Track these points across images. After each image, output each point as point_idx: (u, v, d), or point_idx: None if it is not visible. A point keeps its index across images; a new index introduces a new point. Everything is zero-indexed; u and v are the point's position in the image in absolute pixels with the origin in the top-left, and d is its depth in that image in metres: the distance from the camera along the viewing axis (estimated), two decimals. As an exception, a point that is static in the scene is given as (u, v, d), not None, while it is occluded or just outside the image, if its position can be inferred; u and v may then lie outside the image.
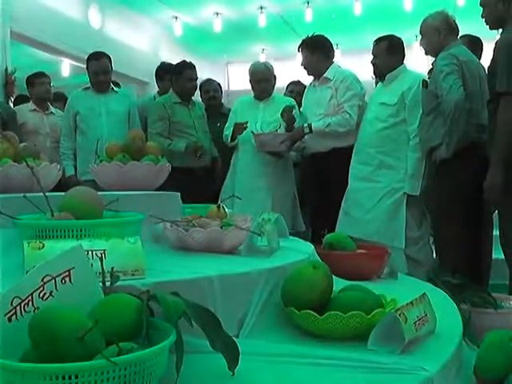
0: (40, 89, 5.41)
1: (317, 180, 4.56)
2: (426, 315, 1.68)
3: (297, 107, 4.76)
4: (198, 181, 4.60)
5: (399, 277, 2.60)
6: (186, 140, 4.74)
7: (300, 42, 4.74)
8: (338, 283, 1.83)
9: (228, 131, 4.78)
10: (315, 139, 4.49)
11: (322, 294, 1.67)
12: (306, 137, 4.53)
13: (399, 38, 4.36)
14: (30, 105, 5.46)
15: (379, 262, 2.49)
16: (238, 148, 4.78)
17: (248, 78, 4.87)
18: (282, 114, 4.56)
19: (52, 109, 5.54)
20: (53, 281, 1.23)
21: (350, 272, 2.23)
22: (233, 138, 4.71)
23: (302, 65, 4.69)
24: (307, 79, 4.99)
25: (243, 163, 4.72)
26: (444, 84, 3.63)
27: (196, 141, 4.72)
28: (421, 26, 4.04)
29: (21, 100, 6.03)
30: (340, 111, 4.43)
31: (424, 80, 4.05)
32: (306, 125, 4.49)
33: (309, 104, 4.73)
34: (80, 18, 8.41)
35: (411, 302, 1.64)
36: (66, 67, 9.51)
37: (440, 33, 3.88)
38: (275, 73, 4.90)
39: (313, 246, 2.35)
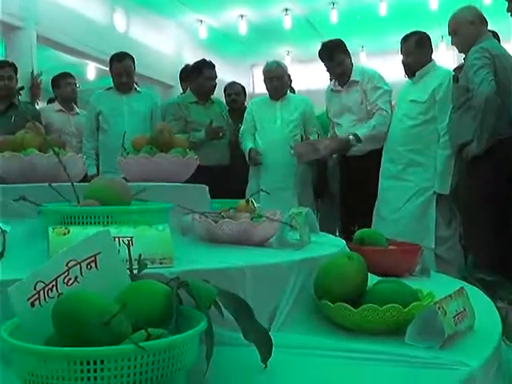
0: (66, 89, 5.42)
1: (349, 182, 4.49)
2: (464, 310, 1.60)
3: (312, 107, 4.80)
4: (218, 179, 4.54)
5: (432, 275, 2.52)
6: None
7: (321, 48, 4.61)
8: (371, 279, 1.76)
9: (245, 133, 4.80)
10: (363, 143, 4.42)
11: (357, 286, 1.61)
12: None
13: (426, 33, 4.28)
14: (56, 105, 5.47)
15: (412, 258, 2.41)
16: (260, 149, 4.74)
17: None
18: (291, 146, 4.54)
19: (77, 109, 5.54)
20: (78, 266, 1.18)
21: (381, 268, 2.16)
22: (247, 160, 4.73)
23: (337, 68, 4.50)
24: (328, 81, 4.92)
25: (265, 165, 4.68)
26: (475, 78, 3.55)
27: (211, 120, 4.67)
28: (451, 23, 3.95)
29: (52, 102, 6.03)
30: (375, 110, 4.36)
31: (454, 75, 3.97)
32: (351, 137, 4.37)
33: (337, 110, 4.63)
34: (105, 22, 8.45)
35: (450, 296, 1.57)
36: (91, 70, 9.56)
37: (474, 25, 3.80)
38: (300, 75, 4.84)
39: (344, 241, 2.28)
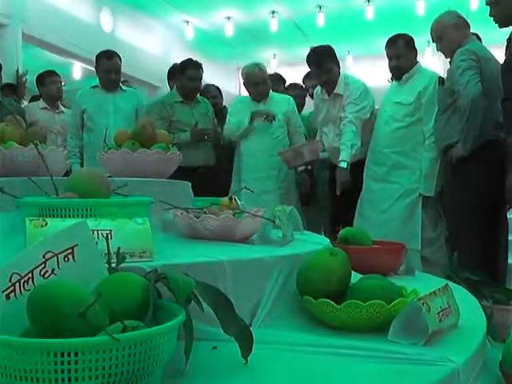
0: (51, 87, 5.39)
1: (332, 182, 4.48)
2: (449, 307, 1.59)
3: (298, 115, 4.79)
4: (203, 180, 4.50)
5: (416, 274, 2.51)
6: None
7: (310, 53, 4.55)
8: (355, 277, 1.74)
9: (232, 125, 4.67)
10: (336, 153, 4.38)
11: (340, 281, 1.59)
12: (326, 147, 4.54)
13: (410, 35, 4.27)
14: (41, 103, 5.43)
15: (396, 257, 2.40)
16: (241, 151, 4.72)
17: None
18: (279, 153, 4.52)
19: (62, 108, 5.50)
20: (55, 258, 1.15)
21: (366, 267, 2.13)
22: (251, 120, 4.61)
23: (324, 75, 4.44)
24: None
25: (248, 167, 4.65)
26: (461, 79, 3.55)
27: (196, 122, 4.63)
28: (435, 29, 3.93)
29: (35, 100, 5.99)
30: (345, 121, 4.31)
31: (440, 77, 3.98)
32: (341, 164, 4.24)
33: (324, 119, 4.61)
34: (92, 21, 8.41)
35: (434, 292, 1.55)
36: (77, 70, 9.52)
37: (459, 28, 3.80)
38: (287, 78, 4.81)
39: (328, 239, 2.26)
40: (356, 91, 4.38)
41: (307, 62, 4.55)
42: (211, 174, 4.73)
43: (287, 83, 5.67)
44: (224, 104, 5.70)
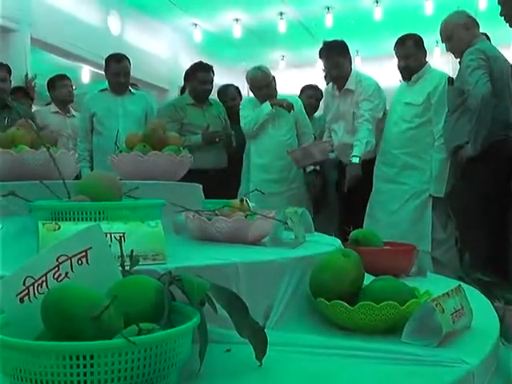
0: (62, 91, 5.40)
1: (341, 182, 4.47)
2: (462, 308, 1.58)
3: (302, 107, 4.76)
4: (214, 183, 4.49)
5: (428, 275, 2.50)
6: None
7: (322, 47, 4.57)
8: (367, 279, 1.74)
9: (247, 118, 4.67)
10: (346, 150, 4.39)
11: (353, 283, 1.59)
12: (335, 145, 4.52)
13: (418, 35, 4.27)
14: (52, 107, 5.45)
15: (408, 258, 2.39)
16: (250, 152, 4.72)
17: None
18: (287, 152, 4.50)
19: (73, 112, 5.51)
20: (68, 261, 1.16)
21: (377, 268, 2.13)
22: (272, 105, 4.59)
23: (334, 70, 4.46)
24: (324, 85, 4.90)
25: (256, 168, 4.65)
26: (470, 79, 3.54)
27: (208, 125, 4.62)
28: (444, 29, 3.93)
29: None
30: (360, 120, 4.31)
31: (450, 77, 3.97)
32: (354, 159, 4.25)
33: (333, 116, 4.60)
34: (100, 25, 8.43)
35: (447, 293, 1.55)
36: (85, 74, 9.54)
37: (468, 28, 3.80)
38: (294, 79, 4.77)
39: (339, 241, 2.26)
40: (369, 88, 4.39)
41: (319, 54, 4.58)
42: (222, 176, 4.72)
43: (299, 85, 5.66)
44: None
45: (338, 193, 4.69)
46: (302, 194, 4.74)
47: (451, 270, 3.65)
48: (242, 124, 4.74)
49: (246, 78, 4.77)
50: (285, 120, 4.64)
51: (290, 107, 4.58)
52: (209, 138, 4.61)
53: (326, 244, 2.05)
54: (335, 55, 4.43)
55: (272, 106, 4.57)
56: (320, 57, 4.58)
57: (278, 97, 4.74)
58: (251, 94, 4.88)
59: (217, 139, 4.62)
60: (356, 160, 4.24)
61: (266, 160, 4.62)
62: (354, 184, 4.28)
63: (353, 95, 4.42)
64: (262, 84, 4.62)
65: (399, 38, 4.27)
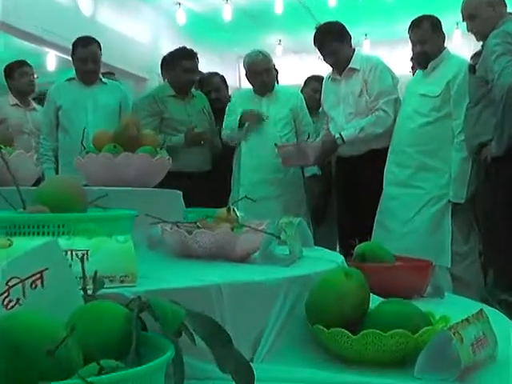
0: (21, 80, 5.38)
1: (347, 187, 4.47)
2: (484, 336, 1.57)
3: (307, 111, 4.78)
4: (199, 187, 4.48)
5: (446, 296, 2.49)
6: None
7: (314, 33, 4.63)
8: (374, 301, 1.73)
9: (227, 128, 4.71)
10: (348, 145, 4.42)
11: (357, 307, 1.58)
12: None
13: (436, 16, 4.29)
14: (11, 99, 5.40)
15: (422, 276, 2.39)
16: (241, 152, 4.72)
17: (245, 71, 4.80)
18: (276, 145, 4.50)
19: (34, 104, 5.49)
20: (20, 284, 1.13)
21: (386, 288, 2.12)
22: (240, 125, 4.62)
23: (330, 57, 4.55)
24: (325, 72, 4.90)
25: (248, 169, 4.64)
26: (496, 66, 3.54)
27: (193, 126, 4.63)
28: (467, 6, 3.95)
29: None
30: (374, 108, 4.34)
31: (471, 65, 3.96)
32: (337, 135, 4.41)
33: (333, 101, 4.63)
34: (68, 4, 8.39)
35: (467, 320, 1.54)
36: (51, 60, 9.49)
37: (494, 7, 3.80)
38: (293, 67, 4.79)
39: (343, 257, 2.25)
40: (378, 65, 4.47)
41: (313, 42, 4.63)
42: (208, 180, 4.71)
43: (297, 73, 5.68)
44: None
45: (341, 196, 4.69)
46: (301, 199, 4.73)
47: (474, 290, 3.65)
48: (222, 132, 4.80)
49: (244, 63, 4.79)
50: (281, 114, 4.64)
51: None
52: (193, 139, 4.61)
53: (327, 261, 2.04)
54: (330, 41, 4.49)
55: (240, 124, 4.60)
56: (314, 44, 4.60)
57: (276, 89, 4.76)
58: (244, 86, 4.89)
59: (201, 142, 4.60)
60: (338, 139, 4.38)
61: (259, 159, 4.62)
62: (318, 162, 4.47)
63: (358, 74, 4.48)
64: (261, 68, 4.65)
65: (414, 20, 4.29)
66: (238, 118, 4.60)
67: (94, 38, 4.84)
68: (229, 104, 4.91)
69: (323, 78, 5.42)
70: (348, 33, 4.57)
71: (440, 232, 4.09)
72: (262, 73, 4.65)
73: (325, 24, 4.61)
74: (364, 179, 4.33)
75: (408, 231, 4.14)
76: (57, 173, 4.72)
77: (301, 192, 4.75)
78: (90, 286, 1.27)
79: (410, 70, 5.13)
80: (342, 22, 4.61)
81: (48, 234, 1.48)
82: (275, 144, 4.47)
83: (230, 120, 4.72)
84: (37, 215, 1.51)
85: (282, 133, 4.63)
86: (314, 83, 5.41)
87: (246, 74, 4.79)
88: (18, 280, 1.13)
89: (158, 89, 5.02)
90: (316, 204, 4.90)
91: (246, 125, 4.61)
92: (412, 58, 5.06)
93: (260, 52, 4.76)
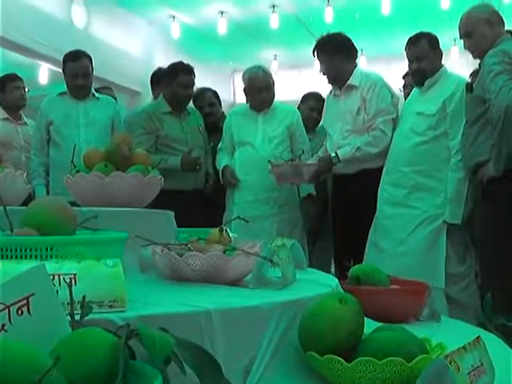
0: (12, 94, 5.36)
1: (342, 206, 4.47)
2: (482, 364, 1.55)
3: (303, 129, 4.78)
4: (193, 206, 4.46)
5: (442, 320, 2.48)
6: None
7: (315, 45, 4.65)
8: (369, 325, 1.72)
9: (222, 151, 4.76)
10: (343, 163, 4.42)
11: (351, 334, 1.56)
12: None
13: (434, 34, 4.30)
14: (1, 113, 5.39)
15: (418, 299, 2.38)
16: (235, 168, 4.71)
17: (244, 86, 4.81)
18: (269, 162, 4.49)
19: (25, 118, 5.47)
20: (6, 310, 1.12)
21: (381, 312, 2.13)
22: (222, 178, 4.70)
23: (326, 71, 4.59)
24: (328, 89, 4.90)
25: (241, 187, 4.63)
26: (493, 85, 3.54)
27: (190, 148, 4.65)
28: (464, 23, 3.95)
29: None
30: (371, 128, 4.34)
31: (469, 83, 3.97)
32: (333, 154, 4.41)
33: (332, 118, 4.63)
34: (61, 16, 8.40)
35: (463, 348, 1.51)
36: (43, 73, 9.48)
37: (492, 25, 3.81)
38: (289, 82, 4.79)
39: (337, 280, 2.24)
40: (377, 82, 4.47)
41: (312, 54, 4.66)
42: (202, 198, 4.71)
43: (294, 89, 5.68)
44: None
45: (336, 215, 4.68)
46: (296, 219, 4.71)
47: (470, 312, 3.63)
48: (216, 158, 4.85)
49: (243, 78, 4.78)
50: (276, 131, 4.64)
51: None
52: (190, 164, 4.60)
53: (321, 284, 2.03)
54: (321, 53, 4.51)
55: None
56: (314, 56, 4.61)
57: (274, 106, 4.76)
58: (239, 101, 4.90)
59: (197, 167, 4.60)
60: (334, 157, 4.38)
61: (253, 177, 4.60)
62: (313, 179, 4.46)
63: (357, 91, 4.47)
64: (262, 85, 4.66)
65: (411, 37, 4.30)
66: (220, 171, 4.71)
67: (84, 52, 4.84)
68: (225, 124, 4.90)
69: (321, 96, 5.44)
70: (350, 46, 4.59)
71: (435, 252, 4.07)
72: (262, 89, 4.65)
73: (328, 35, 4.62)
74: (359, 198, 4.32)
75: (402, 251, 4.13)
76: (47, 189, 4.71)
77: (296, 212, 4.74)
78: (77, 312, 1.26)
79: (401, 88, 5.15)
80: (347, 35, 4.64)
81: (35, 257, 1.47)
82: (269, 161, 4.46)
83: (224, 145, 4.78)
84: (24, 238, 1.50)
85: (276, 151, 4.61)
86: (311, 102, 5.40)
87: (245, 90, 4.78)
88: (3, 306, 1.12)
89: (153, 105, 5.00)
90: (311, 224, 4.89)
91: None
92: (404, 77, 5.10)
93: (261, 67, 4.77)
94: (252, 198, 4.58)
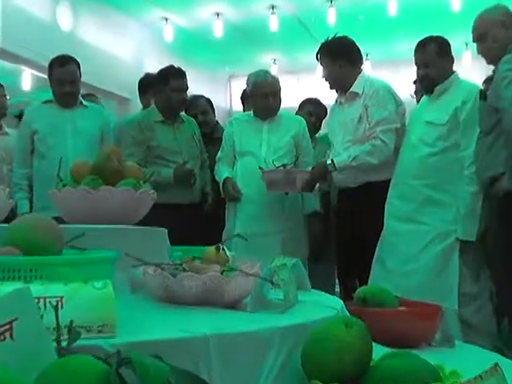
0: (-7, 102, 5.36)
1: (345, 221, 4.47)
2: (499, 394, 1.55)
3: (309, 140, 4.80)
4: (186, 221, 4.46)
5: (456, 345, 2.48)
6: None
7: (319, 48, 4.69)
8: (377, 351, 1.71)
9: (222, 161, 4.73)
10: (343, 173, 4.42)
11: (358, 361, 1.56)
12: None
13: (445, 38, 4.31)
14: (-20, 122, 5.40)
15: (429, 322, 2.38)
16: (236, 179, 4.71)
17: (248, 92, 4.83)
18: (260, 168, 4.51)
19: (6, 128, 5.47)
20: (-13, 336, 1.12)
21: (390, 337, 2.13)
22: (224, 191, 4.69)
23: (322, 76, 4.63)
24: (330, 97, 4.92)
25: (245, 202, 4.63)
26: (506, 93, 3.55)
27: (184, 161, 4.67)
28: (477, 26, 3.97)
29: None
30: (371, 137, 4.34)
31: (482, 90, 3.97)
32: (329, 161, 4.42)
33: (335, 127, 4.66)
34: (46, 18, 8.40)
35: (480, 376, 1.51)
36: (27, 79, 9.50)
37: (507, 28, 3.83)
38: (289, 89, 4.80)
39: (342, 302, 2.23)
40: (380, 90, 4.48)
41: (316, 57, 4.69)
42: (198, 213, 4.71)
43: (294, 96, 5.71)
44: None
45: (339, 232, 4.69)
46: (300, 236, 4.70)
47: (484, 335, 3.62)
48: (215, 170, 4.85)
49: (248, 83, 4.80)
50: (282, 141, 4.64)
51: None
52: (184, 177, 4.62)
53: (325, 307, 2.02)
54: (333, 58, 4.54)
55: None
56: (318, 60, 4.64)
57: (279, 114, 4.77)
58: (236, 109, 4.91)
59: (191, 180, 4.60)
60: (329, 165, 4.38)
61: (254, 190, 4.61)
62: (306, 188, 4.46)
63: (359, 99, 4.50)
64: (268, 91, 4.67)
65: (419, 42, 4.31)
66: (221, 186, 4.69)
67: (72, 57, 4.84)
68: (225, 132, 4.91)
69: (319, 101, 5.46)
70: (355, 51, 4.63)
71: (447, 271, 4.06)
72: (268, 96, 4.66)
73: (332, 38, 4.64)
74: (364, 213, 4.32)
75: (411, 270, 4.12)
76: (31, 203, 4.70)
77: (301, 228, 4.74)
78: (64, 337, 1.25)
79: (413, 94, 5.15)
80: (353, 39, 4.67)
81: (19, 278, 1.47)
82: (260, 167, 4.48)
83: (224, 154, 4.77)
84: (6, 258, 1.50)
85: (280, 163, 4.59)
86: (308, 106, 5.45)
87: (249, 95, 4.79)
88: (-16, 332, 1.12)
89: (144, 114, 5.01)
90: (316, 242, 4.89)
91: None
92: (415, 82, 5.10)
93: (268, 72, 4.81)
94: (257, 212, 4.59)
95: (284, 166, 4.52)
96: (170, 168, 4.64)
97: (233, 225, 4.63)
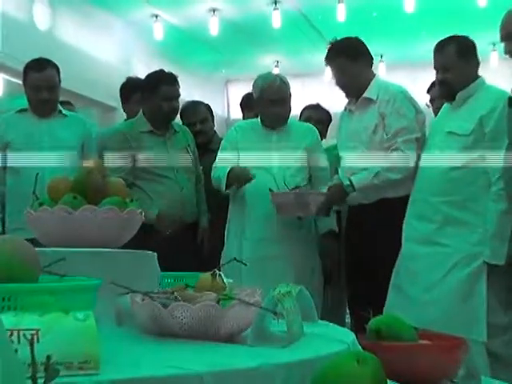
0: (-39, 111, 5.38)
1: (356, 243, 4.48)
2: None
3: (319, 141, 4.84)
4: (177, 244, 4.46)
5: (482, 381, 2.48)
6: (163, 188, 4.65)
7: (327, 49, 4.71)
8: (392, 389, 1.72)
9: (221, 171, 4.65)
10: (362, 192, 4.45)
11: (371, 401, 1.56)
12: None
13: (470, 39, 4.31)
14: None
15: (453, 357, 2.38)
16: (243, 197, 4.69)
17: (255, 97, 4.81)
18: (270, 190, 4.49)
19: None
20: (-46, 374, 1.13)
21: (408, 374, 2.14)
22: (228, 186, 4.59)
23: (338, 78, 4.64)
24: (339, 103, 4.94)
25: (253, 220, 4.62)
26: None
27: (159, 212, 4.62)
28: (506, 23, 3.98)
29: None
30: (391, 149, 4.35)
31: (511, 97, 3.98)
32: (347, 182, 4.43)
33: (344, 137, 4.67)
34: (21, 16, 8.44)
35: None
36: (-2, 84, 9.54)
37: None
38: (293, 94, 4.77)
39: (354, 335, 2.24)
40: (398, 95, 4.51)
41: (325, 59, 4.74)
42: (192, 233, 4.71)
43: (299, 101, 5.73)
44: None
45: (350, 254, 4.69)
46: (315, 259, 4.70)
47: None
48: (212, 175, 4.74)
49: (255, 87, 4.78)
50: (295, 155, 4.63)
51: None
52: (163, 227, 4.60)
53: (334, 340, 2.03)
54: (341, 58, 4.57)
55: (227, 186, 4.58)
56: (331, 62, 4.66)
57: (290, 123, 4.77)
58: (234, 117, 4.92)
59: (168, 231, 4.61)
60: (347, 186, 4.39)
61: (268, 209, 4.58)
62: (322, 212, 4.45)
63: (374, 105, 4.51)
64: (278, 96, 4.65)
65: (438, 42, 4.31)
66: (225, 178, 4.55)
67: (50, 61, 4.85)
68: (226, 138, 4.91)
69: (320, 106, 5.49)
70: (366, 52, 4.65)
71: (473, 299, 4.05)
72: (277, 102, 4.64)
73: (341, 39, 4.67)
74: (378, 234, 4.32)
75: (432, 298, 4.12)
76: (3, 223, 4.71)
77: (313, 251, 4.74)
78: (41, 375, 1.26)
79: (428, 103, 5.16)
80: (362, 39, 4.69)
81: (-10, 309, 1.47)
82: (270, 189, 4.47)
83: (223, 157, 4.73)
84: (-24, 286, 1.51)
85: (293, 178, 4.62)
86: (307, 112, 5.48)
87: (256, 101, 4.78)
88: (-49, 369, 1.13)
89: (129, 124, 5.02)
90: (331, 263, 4.88)
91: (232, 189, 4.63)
92: (428, 91, 5.12)
93: (278, 76, 4.84)
94: (268, 233, 4.60)
95: (297, 187, 4.54)
96: (155, 207, 4.62)
97: (238, 246, 4.61)
